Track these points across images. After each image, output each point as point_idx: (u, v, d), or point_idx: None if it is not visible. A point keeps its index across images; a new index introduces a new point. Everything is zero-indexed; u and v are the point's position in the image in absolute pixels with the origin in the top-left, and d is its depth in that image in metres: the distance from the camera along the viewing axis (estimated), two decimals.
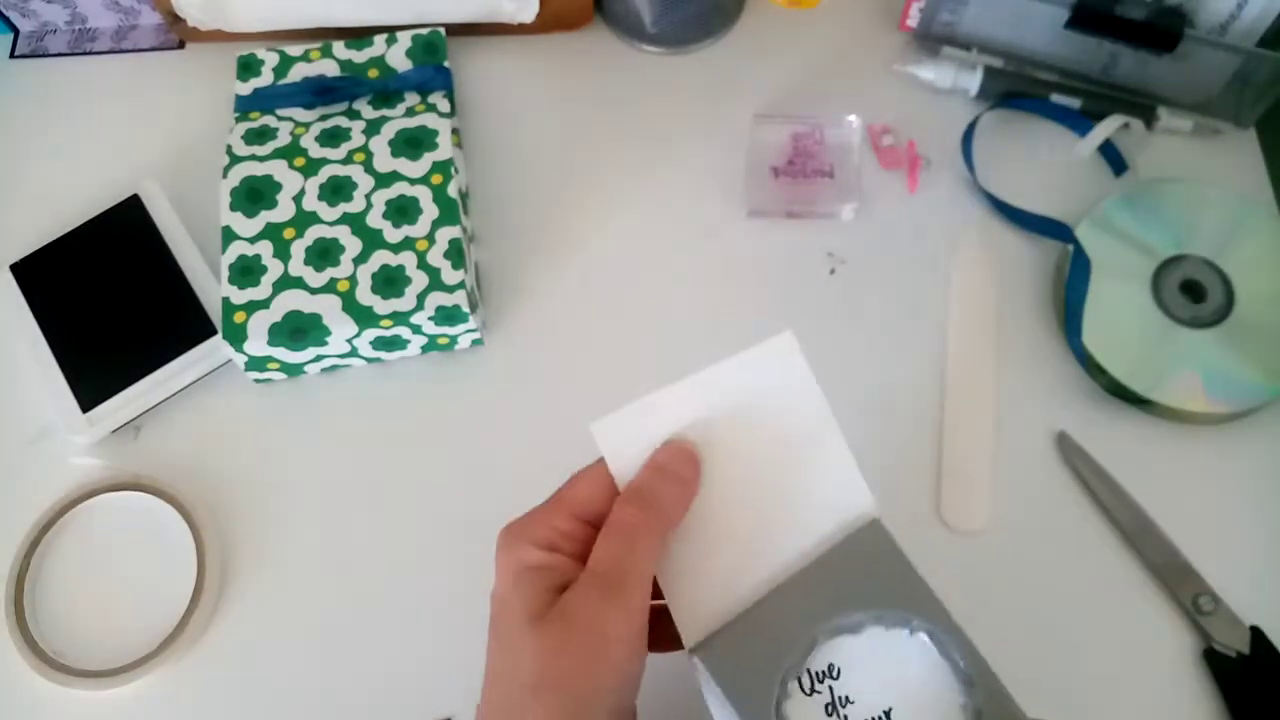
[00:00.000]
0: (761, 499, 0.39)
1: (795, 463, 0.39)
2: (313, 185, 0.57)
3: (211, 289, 0.59)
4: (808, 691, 0.37)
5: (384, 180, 0.57)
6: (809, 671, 0.37)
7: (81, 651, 0.52)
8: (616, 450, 0.38)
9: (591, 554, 0.36)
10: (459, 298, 0.54)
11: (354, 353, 0.56)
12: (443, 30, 0.64)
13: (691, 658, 0.38)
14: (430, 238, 0.55)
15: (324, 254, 0.55)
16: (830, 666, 0.37)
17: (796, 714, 0.36)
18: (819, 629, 0.37)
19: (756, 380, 0.39)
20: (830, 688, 0.37)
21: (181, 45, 0.69)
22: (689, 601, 0.38)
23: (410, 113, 0.59)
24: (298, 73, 0.63)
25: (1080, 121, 0.62)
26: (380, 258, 0.55)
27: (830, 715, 0.36)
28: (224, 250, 0.55)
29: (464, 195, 0.60)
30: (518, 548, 0.37)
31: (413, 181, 0.57)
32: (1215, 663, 0.48)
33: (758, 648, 0.37)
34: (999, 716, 0.36)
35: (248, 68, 0.63)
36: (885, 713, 0.36)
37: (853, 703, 0.36)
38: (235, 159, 0.57)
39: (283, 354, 0.54)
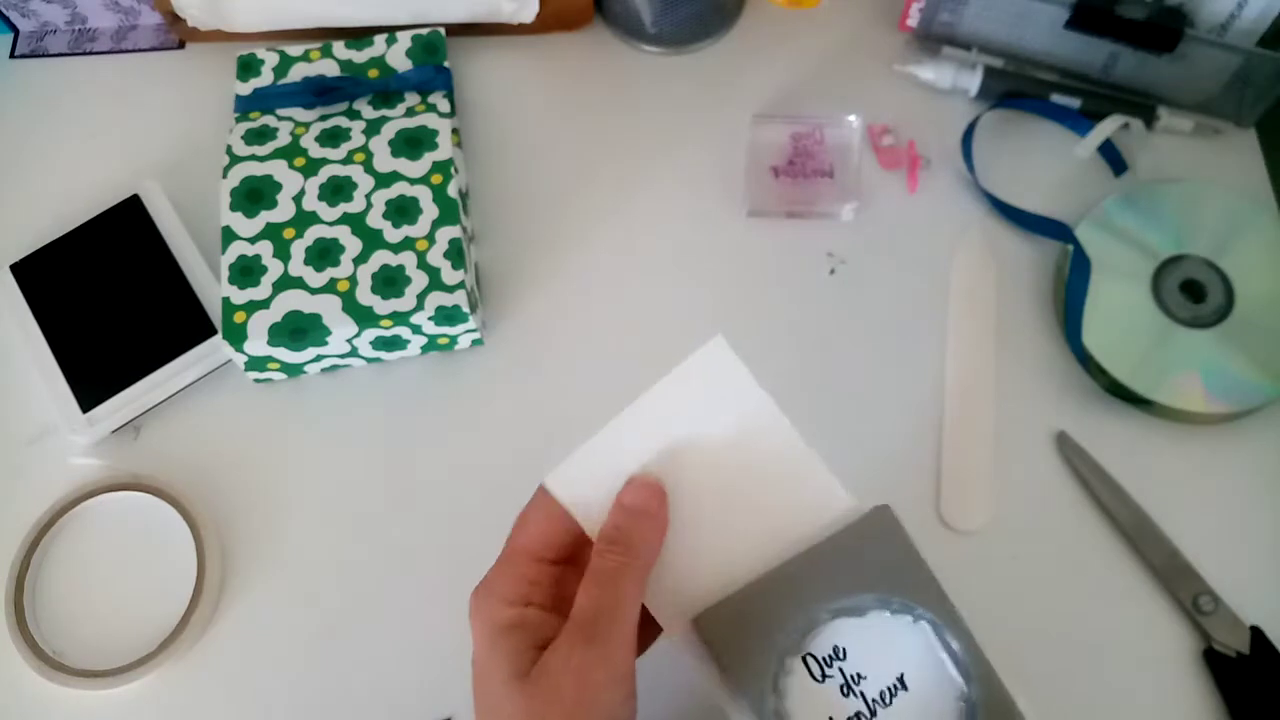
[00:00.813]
0: (731, 505, 0.39)
1: (757, 464, 0.39)
2: (313, 185, 0.57)
3: (211, 289, 0.59)
4: (819, 679, 0.37)
5: (384, 180, 0.57)
6: (815, 658, 0.37)
7: (81, 651, 0.52)
8: (576, 497, 0.38)
9: (575, 604, 0.36)
10: (459, 298, 0.54)
11: (354, 353, 0.56)
12: (443, 30, 0.64)
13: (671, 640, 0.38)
14: (430, 238, 0.55)
15: (324, 254, 0.55)
16: (836, 649, 0.37)
17: (810, 701, 0.36)
18: (822, 608, 0.37)
19: (697, 391, 0.39)
20: (840, 669, 0.37)
21: (181, 45, 0.69)
22: (669, 607, 0.38)
23: (410, 113, 0.59)
24: (298, 73, 0.63)
25: (1080, 121, 0.62)
26: (380, 258, 0.55)
27: (847, 695, 0.37)
28: (224, 250, 0.55)
29: (464, 195, 0.60)
30: (489, 607, 0.36)
31: (413, 181, 0.57)
32: (1215, 663, 0.48)
33: (756, 622, 0.37)
34: (996, 711, 0.36)
35: (248, 68, 0.63)
36: (899, 678, 0.37)
37: (865, 678, 0.37)
38: (235, 159, 0.57)
39: (283, 354, 0.54)
